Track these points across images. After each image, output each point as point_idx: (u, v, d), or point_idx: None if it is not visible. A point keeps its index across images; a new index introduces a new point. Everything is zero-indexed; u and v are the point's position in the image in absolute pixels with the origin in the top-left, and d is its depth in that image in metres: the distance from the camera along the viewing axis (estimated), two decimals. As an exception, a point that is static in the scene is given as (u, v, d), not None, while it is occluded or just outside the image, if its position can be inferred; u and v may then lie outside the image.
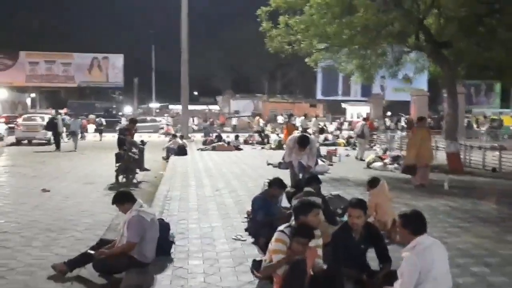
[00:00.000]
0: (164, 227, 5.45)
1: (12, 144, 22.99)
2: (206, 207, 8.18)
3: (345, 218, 6.78)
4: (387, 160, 14.46)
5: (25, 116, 27.32)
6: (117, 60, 49.64)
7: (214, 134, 25.72)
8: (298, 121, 27.06)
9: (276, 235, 4.43)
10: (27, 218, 7.46)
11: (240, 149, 20.74)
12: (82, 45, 51.45)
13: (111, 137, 13.07)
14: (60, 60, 48.48)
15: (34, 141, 22.90)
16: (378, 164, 14.06)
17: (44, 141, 22.38)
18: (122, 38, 58.04)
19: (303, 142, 8.49)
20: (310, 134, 20.11)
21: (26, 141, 23.33)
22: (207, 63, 60.94)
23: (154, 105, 62.46)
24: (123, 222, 5.03)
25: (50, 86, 50.53)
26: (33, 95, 52.43)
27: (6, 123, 28.27)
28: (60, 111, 28.17)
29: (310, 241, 4.23)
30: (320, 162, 13.22)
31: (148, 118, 42.86)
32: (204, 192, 9.64)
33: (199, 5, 50.86)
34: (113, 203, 5.10)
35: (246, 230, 6.53)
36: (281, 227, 4.49)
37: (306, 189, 6.23)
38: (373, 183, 6.58)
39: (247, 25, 45.61)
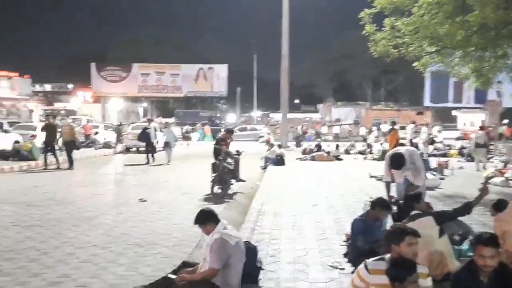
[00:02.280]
0: (251, 251, 4.89)
1: (121, 152, 24.13)
2: (301, 224, 7.54)
3: (464, 246, 5.79)
4: (508, 175, 12.77)
5: (134, 125, 28.72)
6: (222, 70, 50.82)
7: (314, 143, 24.98)
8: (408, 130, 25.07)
9: (359, 267, 3.69)
10: (119, 230, 7.35)
11: (340, 159, 19.84)
12: (188, 56, 53.61)
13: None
14: (169, 71, 50.80)
15: (141, 149, 23.67)
16: (499, 179, 12.42)
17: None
18: (225, 48, 59.57)
19: (397, 164, 6.94)
20: (417, 145, 18.88)
21: (134, 149, 24.40)
22: (309, 71, 60.45)
23: (256, 113, 63.19)
24: (206, 245, 4.55)
25: (159, 96, 53.20)
26: (144, 104, 55.64)
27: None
28: (156, 119, 28.77)
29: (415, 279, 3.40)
30: (430, 175, 11.97)
31: (248, 126, 43.13)
32: (300, 207, 9.01)
33: (302, 12, 50.84)
34: (195, 223, 4.64)
35: (345, 255, 5.79)
36: (369, 260, 3.69)
37: (413, 213, 5.32)
38: (499, 206, 5.51)
39: (350, 31, 44.42)
